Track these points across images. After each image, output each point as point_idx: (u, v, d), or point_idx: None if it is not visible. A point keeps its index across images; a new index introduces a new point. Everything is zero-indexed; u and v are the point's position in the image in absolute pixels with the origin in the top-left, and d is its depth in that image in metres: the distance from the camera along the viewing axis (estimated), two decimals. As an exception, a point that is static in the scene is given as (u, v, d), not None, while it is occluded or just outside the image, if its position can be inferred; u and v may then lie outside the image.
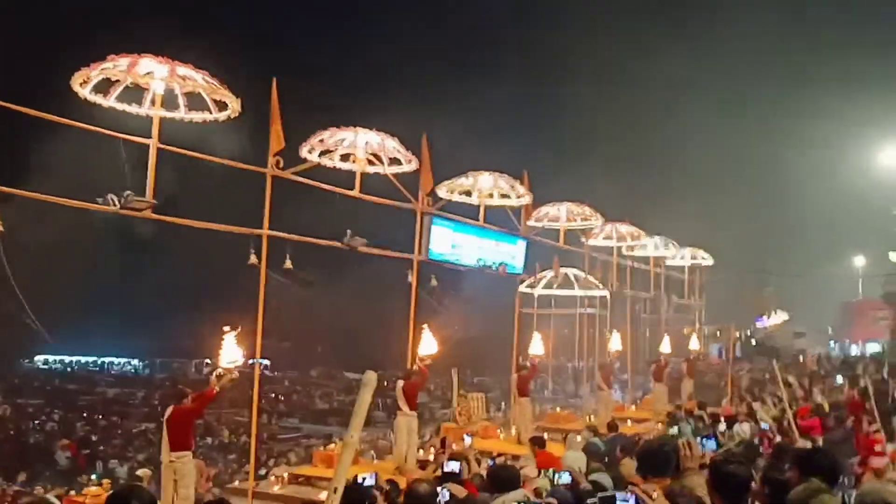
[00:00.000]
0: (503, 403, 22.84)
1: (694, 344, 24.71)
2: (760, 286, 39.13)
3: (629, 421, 18.19)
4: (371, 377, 3.16)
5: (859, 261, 42.13)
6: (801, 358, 31.19)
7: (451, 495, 4.45)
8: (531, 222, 18.02)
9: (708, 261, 27.08)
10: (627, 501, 3.29)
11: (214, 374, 9.81)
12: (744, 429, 12.79)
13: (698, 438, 7.79)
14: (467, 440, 12.86)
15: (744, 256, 33.87)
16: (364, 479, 7.16)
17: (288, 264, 11.73)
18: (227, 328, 9.77)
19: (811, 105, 35.58)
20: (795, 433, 10.03)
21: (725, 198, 38.79)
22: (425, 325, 13.53)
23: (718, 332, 32.24)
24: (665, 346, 22.52)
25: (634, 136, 41.33)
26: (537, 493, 5.71)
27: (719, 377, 25.02)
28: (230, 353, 9.67)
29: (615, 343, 20.36)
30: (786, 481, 4.30)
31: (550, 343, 22.63)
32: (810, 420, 12.85)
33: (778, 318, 39.14)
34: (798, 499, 3.95)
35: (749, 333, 36.54)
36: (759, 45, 37.79)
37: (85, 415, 33.49)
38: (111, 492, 3.30)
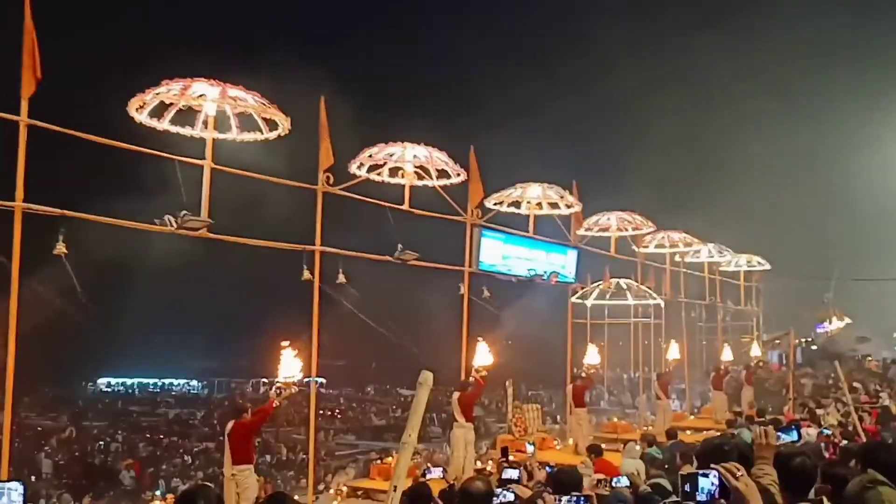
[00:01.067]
0: (559, 416, 22.66)
1: (754, 351, 24.22)
2: (821, 291, 38.19)
3: (688, 430, 17.87)
4: (428, 377, 3.19)
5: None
6: (865, 362, 30.32)
7: (516, 496, 4.43)
8: (581, 231, 17.93)
9: (765, 266, 26.55)
10: (709, 477, 3.17)
11: (273, 388, 9.96)
12: (809, 433, 12.47)
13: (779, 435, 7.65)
14: (529, 449, 12.79)
15: (804, 261, 33.06)
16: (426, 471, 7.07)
17: (341, 279, 11.86)
18: (284, 343, 9.92)
19: (879, 101, 34.55)
20: (861, 436, 9.75)
21: (785, 202, 37.99)
22: (480, 338, 13.55)
23: (778, 340, 31.55)
24: (724, 354, 22.11)
25: (687, 144, 40.78)
26: (598, 497, 5.66)
27: (780, 384, 24.44)
28: (288, 367, 9.81)
29: (672, 352, 20.07)
30: (847, 476, 4.18)
31: (605, 353, 22.42)
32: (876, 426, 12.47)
33: (840, 322, 38.11)
34: (855, 490, 3.83)
35: (810, 339, 35.63)
36: (819, 45, 36.95)
37: (147, 435, 34.17)
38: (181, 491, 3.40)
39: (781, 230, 34.16)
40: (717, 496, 3.16)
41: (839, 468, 4.50)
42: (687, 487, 3.23)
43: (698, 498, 3.19)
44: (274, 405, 9.82)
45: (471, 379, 13.21)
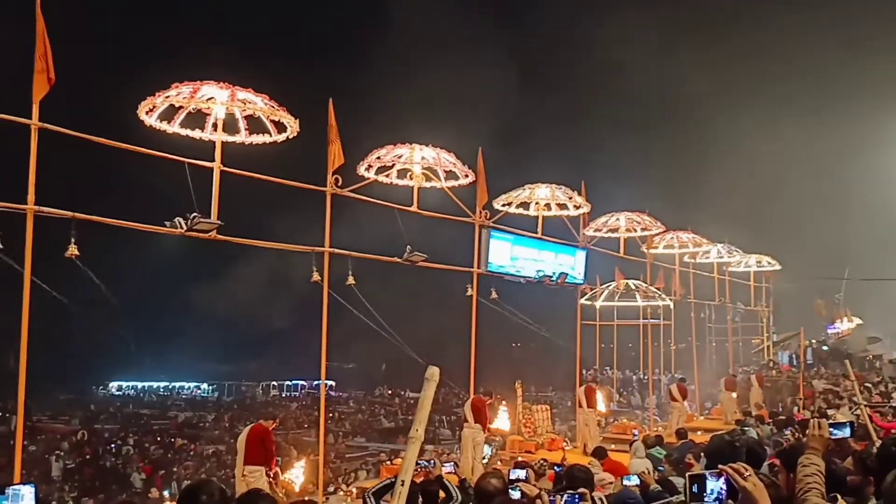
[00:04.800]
0: (569, 417, 22.64)
1: (764, 352, 24.17)
2: (832, 291, 38.05)
3: (699, 431, 17.83)
4: (434, 372, 3.21)
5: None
6: (877, 363, 30.14)
7: (523, 493, 4.45)
8: (590, 232, 17.92)
9: (775, 266, 26.47)
10: (717, 480, 3.14)
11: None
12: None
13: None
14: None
15: (814, 262, 32.94)
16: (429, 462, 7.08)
17: (350, 280, 11.90)
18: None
19: (890, 103, 34.35)
20: (873, 435, 9.69)
21: (795, 202, 37.88)
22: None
23: (788, 340, 31.41)
24: (734, 356, 22.08)
25: (697, 145, 40.69)
26: (608, 496, 5.66)
27: (791, 384, 24.33)
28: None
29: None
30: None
31: (615, 355, 22.40)
32: (890, 423, 12.40)
33: (850, 323, 37.95)
34: (892, 488, 3.76)
35: (821, 340, 35.46)
36: (828, 47, 36.76)
37: (158, 438, 34.29)
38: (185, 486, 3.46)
39: (791, 230, 34.06)
40: (724, 497, 3.15)
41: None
42: (695, 488, 3.22)
43: (706, 499, 3.18)
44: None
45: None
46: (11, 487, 3.68)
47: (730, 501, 3.17)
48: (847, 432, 4.59)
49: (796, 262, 29.22)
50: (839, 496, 3.91)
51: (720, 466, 3.10)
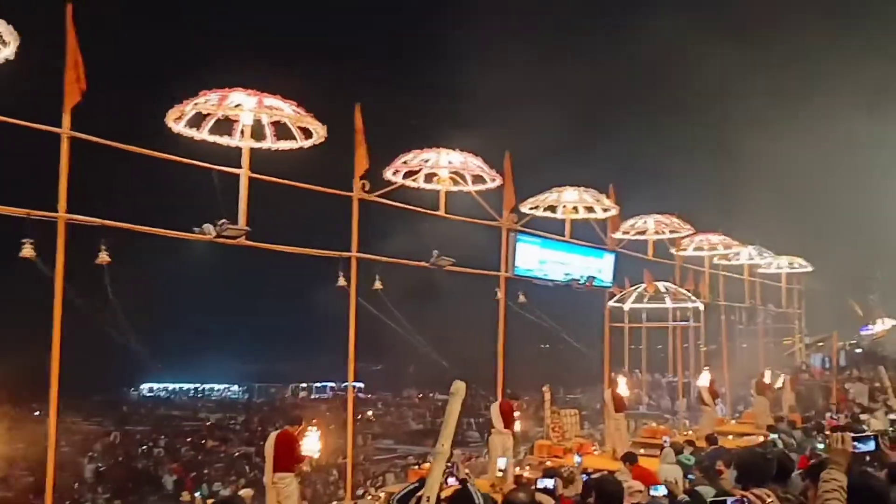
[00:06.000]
0: (597, 420, 22.48)
1: (796, 355, 23.84)
2: (865, 293, 37.43)
3: (730, 435, 17.62)
4: (460, 387, 3.19)
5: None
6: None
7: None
8: (618, 235, 17.79)
9: (806, 267, 26.10)
10: None
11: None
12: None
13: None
14: (577, 459, 12.76)
15: (846, 263, 32.39)
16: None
17: (378, 285, 11.92)
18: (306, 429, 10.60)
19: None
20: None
21: (826, 202, 37.29)
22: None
23: (820, 342, 30.95)
24: (766, 359, 21.80)
25: (724, 145, 40.21)
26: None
27: (823, 388, 23.97)
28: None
29: (702, 380, 19.56)
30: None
31: (644, 358, 22.22)
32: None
33: (885, 325, 37.28)
34: None
35: (854, 342, 34.88)
36: (866, 42, 36.10)
37: (189, 440, 34.63)
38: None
39: (823, 232, 33.51)
40: None
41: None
42: None
43: None
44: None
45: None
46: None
47: None
48: (871, 446, 4.46)
49: (828, 264, 28.79)
50: None
51: (741, 493, 3.05)
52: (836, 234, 33.34)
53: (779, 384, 21.36)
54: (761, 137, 37.89)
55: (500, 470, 11.34)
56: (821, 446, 7.53)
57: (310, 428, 10.66)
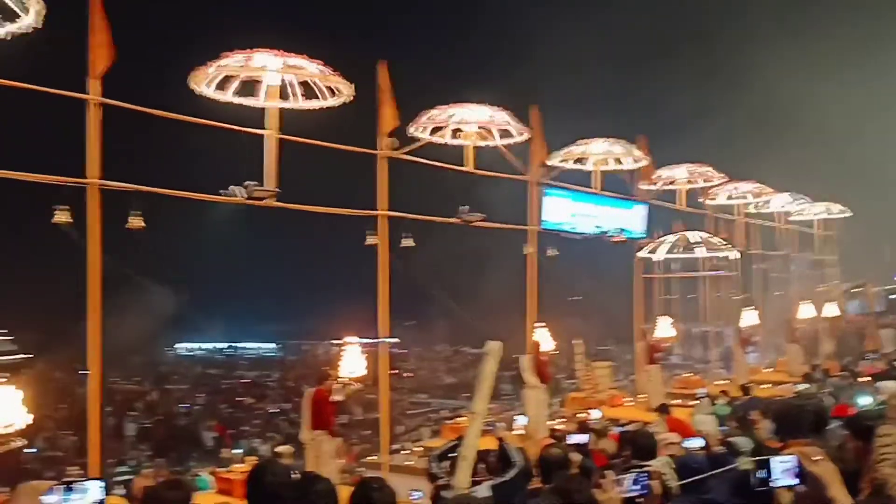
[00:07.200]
0: (630, 371, 22.49)
1: (832, 301, 23.54)
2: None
3: (763, 385, 17.54)
4: (495, 346, 3.18)
5: None
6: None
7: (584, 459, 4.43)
8: (647, 186, 17.58)
9: (846, 212, 25.67)
10: (787, 464, 2.99)
11: (335, 384, 10.10)
12: (888, 386, 12.05)
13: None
14: (595, 414, 12.78)
15: (882, 207, 31.74)
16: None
17: (408, 242, 11.91)
18: (349, 339, 10.20)
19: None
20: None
21: (860, 148, 36.45)
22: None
23: (856, 289, 30.49)
24: (801, 306, 21.58)
25: (755, 93, 39.31)
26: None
27: (860, 335, 23.67)
28: (351, 363, 9.97)
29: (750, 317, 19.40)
30: None
31: (676, 308, 22.09)
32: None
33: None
34: None
35: (890, 287, 34.31)
36: None
37: (227, 398, 35.31)
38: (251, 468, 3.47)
39: (859, 177, 32.81)
40: (794, 481, 3.02)
41: None
42: (764, 473, 3.11)
43: (772, 484, 3.06)
44: (332, 399, 9.95)
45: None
46: (78, 483, 3.67)
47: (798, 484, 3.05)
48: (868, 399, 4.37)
49: (863, 209, 28.26)
50: None
51: (789, 451, 2.99)
52: (870, 181, 32.65)
53: (813, 332, 21.19)
54: (797, 82, 36.97)
55: (522, 427, 11.45)
56: (859, 396, 7.46)
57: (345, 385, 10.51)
